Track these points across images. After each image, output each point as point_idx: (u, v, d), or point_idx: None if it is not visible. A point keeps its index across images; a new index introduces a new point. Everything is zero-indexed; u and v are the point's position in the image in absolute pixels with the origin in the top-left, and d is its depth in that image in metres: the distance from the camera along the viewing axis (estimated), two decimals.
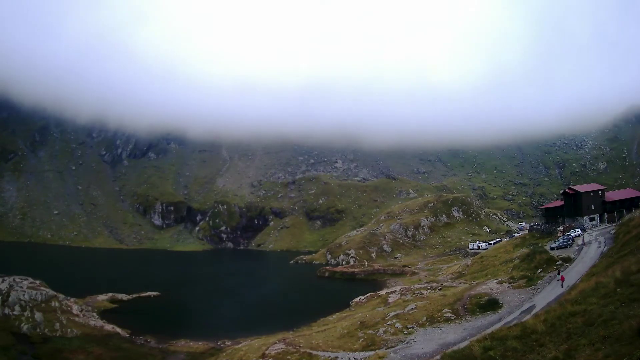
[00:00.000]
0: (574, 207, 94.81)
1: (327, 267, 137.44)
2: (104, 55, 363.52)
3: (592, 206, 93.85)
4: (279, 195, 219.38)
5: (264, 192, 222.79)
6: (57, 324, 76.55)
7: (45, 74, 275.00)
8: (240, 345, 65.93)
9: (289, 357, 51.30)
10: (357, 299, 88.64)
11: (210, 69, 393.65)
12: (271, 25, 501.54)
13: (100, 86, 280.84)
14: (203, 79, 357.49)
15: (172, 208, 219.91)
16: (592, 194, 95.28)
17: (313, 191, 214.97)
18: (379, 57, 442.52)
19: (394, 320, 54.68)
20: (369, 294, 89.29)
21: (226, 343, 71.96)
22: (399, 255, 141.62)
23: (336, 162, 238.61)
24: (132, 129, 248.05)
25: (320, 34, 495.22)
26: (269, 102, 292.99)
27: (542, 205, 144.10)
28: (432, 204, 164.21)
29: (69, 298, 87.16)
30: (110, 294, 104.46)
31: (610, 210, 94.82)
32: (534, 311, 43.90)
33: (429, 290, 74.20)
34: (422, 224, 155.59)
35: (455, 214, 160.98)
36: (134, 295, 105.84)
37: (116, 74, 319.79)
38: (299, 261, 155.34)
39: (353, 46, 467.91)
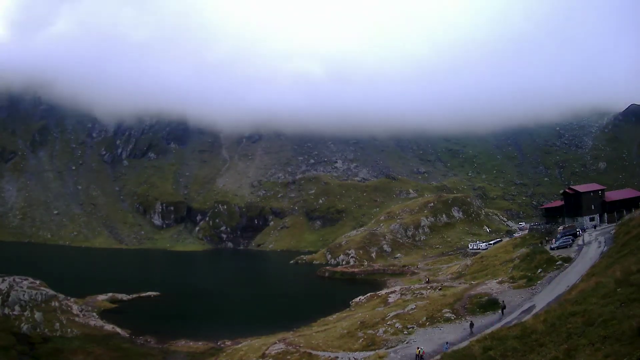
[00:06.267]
0: (574, 207, 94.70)
1: (327, 267, 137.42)
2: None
3: (592, 206, 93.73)
4: (279, 195, 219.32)
5: (264, 192, 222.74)
6: (57, 324, 76.53)
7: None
8: (240, 345, 65.94)
9: (289, 357, 51.32)
10: (357, 299, 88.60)
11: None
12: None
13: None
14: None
15: (172, 208, 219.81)
16: (592, 194, 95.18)
17: (313, 191, 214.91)
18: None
19: (394, 320, 54.67)
20: (369, 294, 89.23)
21: (226, 343, 71.94)
22: (399, 255, 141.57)
23: (336, 162, 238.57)
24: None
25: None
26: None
27: (542, 205, 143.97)
28: (432, 204, 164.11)
29: (69, 298, 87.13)
30: (110, 294, 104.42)
31: (610, 210, 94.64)
32: (534, 311, 43.90)
33: (429, 290, 74.17)
34: (422, 224, 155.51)
35: (455, 214, 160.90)
36: (134, 295, 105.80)
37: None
38: (299, 261, 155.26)
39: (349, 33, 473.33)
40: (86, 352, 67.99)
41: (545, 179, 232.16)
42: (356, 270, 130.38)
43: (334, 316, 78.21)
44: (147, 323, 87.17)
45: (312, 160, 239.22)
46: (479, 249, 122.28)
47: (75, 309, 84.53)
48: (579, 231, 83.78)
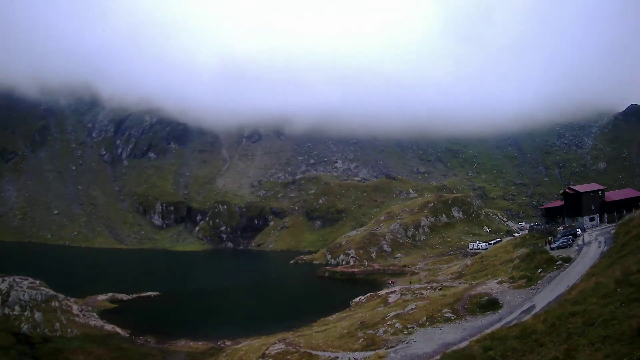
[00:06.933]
0: (574, 207, 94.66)
1: (327, 267, 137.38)
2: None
3: (592, 206, 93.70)
4: (279, 195, 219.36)
5: (264, 192, 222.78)
6: (57, 324, 76.48)
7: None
8: (240, 345, 65.90)
9: (289, 357, 51.30)
10: (357, 299, 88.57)
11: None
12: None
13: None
14: None
15: (172, 208, 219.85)
16: (592, 194, 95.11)
17: (313, 191, 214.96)
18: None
19: (394, 320, 54.63)
20: (369, 294, 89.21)
21: (226, 343, 71.89)
22: (399, 255, 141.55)
23: (336, 162, 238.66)
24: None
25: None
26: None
27: (542, 205, 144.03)
28: (432, 204, 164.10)
29: (69, 298, 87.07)
30: (110, 294, 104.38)
31: (610, 210, 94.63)
32: (534, 311, 43.87)
33: (429, 290, 74.16)
34: (422, 224, 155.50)
35: (455, 214, 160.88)
36: (134, 295, 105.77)
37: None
38: (299, 261, 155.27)
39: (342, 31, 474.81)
40: (86, 352, 67.91)
41: (545, 179, 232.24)
42: (356, 270, 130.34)
43: (334, 316, 78.19)
44: (147, 323, 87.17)
45: (312, 160, 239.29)
46: (479, 249, 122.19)
47: (75, 309, 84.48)
48: (578, 231, 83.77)
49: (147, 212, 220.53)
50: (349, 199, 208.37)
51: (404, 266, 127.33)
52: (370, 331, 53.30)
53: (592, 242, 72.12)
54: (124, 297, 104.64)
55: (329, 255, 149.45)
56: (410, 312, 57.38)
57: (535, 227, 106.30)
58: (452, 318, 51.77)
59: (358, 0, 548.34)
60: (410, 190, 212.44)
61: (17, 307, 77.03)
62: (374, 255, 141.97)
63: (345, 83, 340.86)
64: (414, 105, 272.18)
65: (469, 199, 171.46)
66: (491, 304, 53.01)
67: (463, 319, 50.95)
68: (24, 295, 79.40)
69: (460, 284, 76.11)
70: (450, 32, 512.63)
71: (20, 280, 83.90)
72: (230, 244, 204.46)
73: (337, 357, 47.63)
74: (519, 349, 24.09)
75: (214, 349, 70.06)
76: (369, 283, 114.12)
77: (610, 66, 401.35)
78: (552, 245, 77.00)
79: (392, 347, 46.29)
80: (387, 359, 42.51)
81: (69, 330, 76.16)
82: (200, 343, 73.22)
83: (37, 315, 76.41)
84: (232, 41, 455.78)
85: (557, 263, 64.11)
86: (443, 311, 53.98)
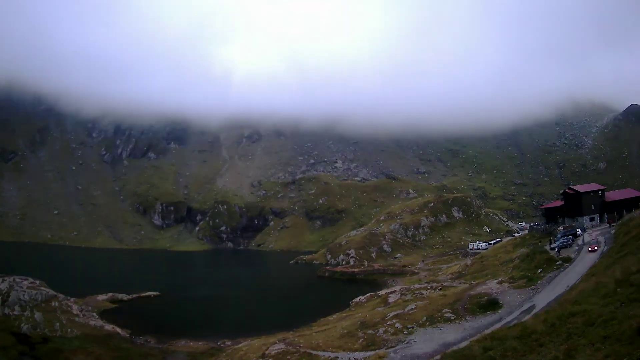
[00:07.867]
0: (574, 207, 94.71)
1: (327, 267, 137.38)
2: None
3: (592, 206, 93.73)
4: (279, 195, 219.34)
5: (264, 192, 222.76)
6: (57, 324, 76.47)
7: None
8: (240, 345, 65.94)
9: (289, 357, 51.32)
10: (357, 299, 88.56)
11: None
12: None
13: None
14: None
15: (172, 208, 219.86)
16: (592, 194, 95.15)
17: (313, 191, 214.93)
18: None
19: (394, 320, 54.65)
20: (369, 294, 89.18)
21: (226, 343, 71.93)
22: (399, 255, 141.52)
23: (336, 162, 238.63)
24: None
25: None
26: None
27: (542, 205, 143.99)
28: (432, 204, 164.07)
29: (69, 298, 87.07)
30: (110, 294, 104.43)
31: (610, 210, 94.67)
32: (534, 311, 43.88)
33: (429, 290, 74.13)
34: (422, 224, 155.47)
35: (455, 214, 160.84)
36: (134, 295, 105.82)
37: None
38: (299, 261, 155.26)
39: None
40: (86, 352, 67.88)
41: (545, 179, 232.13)
42: (356, 270, 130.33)
43: (334, 316, 78.20)
44: (147, 323, 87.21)
45: (312, 160, 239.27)
46: (479, 249, 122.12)
47: (75, 309, 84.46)
48: (578, 231, 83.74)
49: (147, 212, 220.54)
50: (349, 199, 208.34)
51: (404, 266, 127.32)
52: (370, 331, 53.33)
53: (592, 242, 72.02)
54: (124, 297, 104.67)
55: (329, 255, 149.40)
56: (410, 312, 57.39)
57: (535, 227, 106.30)
58: (452, 318, 51.78)
59: (358, 1, 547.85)
60: (410, 190, 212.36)
61: (17, 307, 77.04)
62: (374, 255, 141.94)
63: (344, 83, 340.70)
64: (414, 104, 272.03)
65: (469, 199, 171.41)
66: (491, 304, 53.02)
67: (463, 319, 50.96)
68: (24, 295, 79.40)
69: (460, 284, 76.08)
70: (451, 31, 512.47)
71: (20, 280, 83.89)
72: (230, 244, 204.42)
73: (337, 357, 47.65)
74: (519, 349, 24.10)
75: (214, 349, 70.07)
76: (369, 283, 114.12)
77: (611, 66, 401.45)
78: (552, 245, 76.96)
79: (392, 347, 46.32)
80: (387, 359, 42.52)
81: (69, 330, 76.14)
82: (200, 343, 73.24)
83: (37, 315, 76.41)
84: (232, 40, 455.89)
85: (557, 263, 64.11)
86: (443, 311, 53.99)
